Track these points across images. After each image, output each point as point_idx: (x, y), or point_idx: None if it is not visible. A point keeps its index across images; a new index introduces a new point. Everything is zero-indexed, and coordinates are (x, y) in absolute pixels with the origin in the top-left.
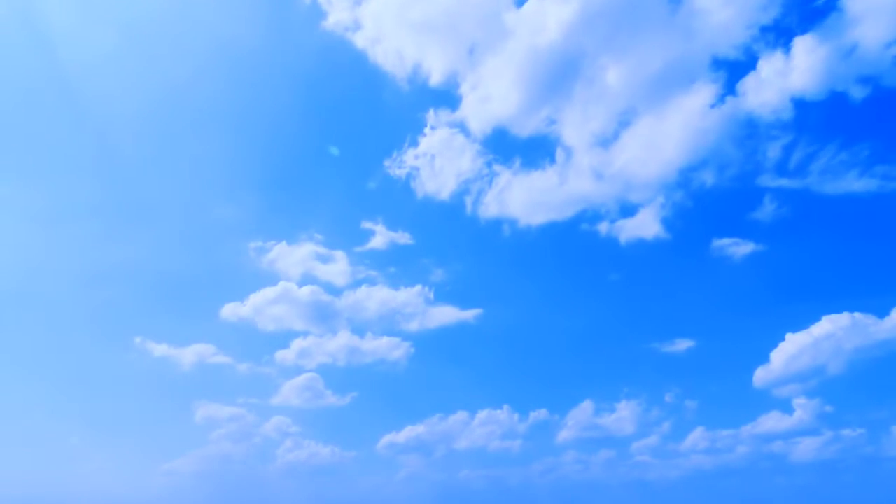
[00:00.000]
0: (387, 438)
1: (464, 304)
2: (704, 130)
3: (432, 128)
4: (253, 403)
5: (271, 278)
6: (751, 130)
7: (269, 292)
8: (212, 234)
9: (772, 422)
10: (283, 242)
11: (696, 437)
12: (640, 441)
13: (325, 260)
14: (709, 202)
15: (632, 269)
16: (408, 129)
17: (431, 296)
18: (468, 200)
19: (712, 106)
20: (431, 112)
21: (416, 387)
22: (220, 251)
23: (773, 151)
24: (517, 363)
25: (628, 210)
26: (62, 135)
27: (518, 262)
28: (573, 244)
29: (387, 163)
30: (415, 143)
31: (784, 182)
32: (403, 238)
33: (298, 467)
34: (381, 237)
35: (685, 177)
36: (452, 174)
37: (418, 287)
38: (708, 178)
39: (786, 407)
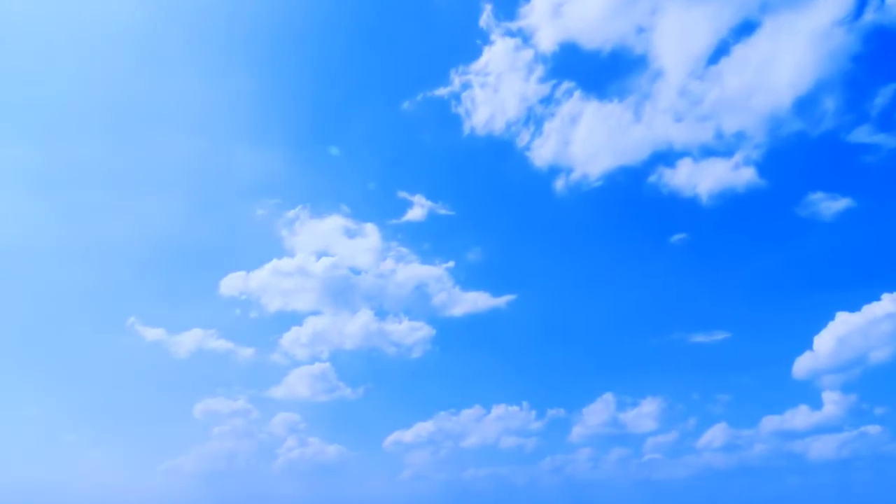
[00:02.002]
0: (395, 436)
1: (497, 289)
2: (825, 54)
3: (487, 43)
4: (256, 396)
5: (284, 249)
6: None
7: (280, 265)
8: (219, 195)
9: (799, 417)
10: (302, 207)
11: (716, 433)
12: (656, 437)
13: (352, 234)
14: (808, 150)
15: (700, 229)
16: (459, 44)
17: (462, 279)
18: (520, 140)
19: (841, 23)
20: (488, 15)
21: (433, 378)
22: (227, 215)
23: None
24: (542, 355)
25: (711, 153)
26: (50, 92)
27: (567, 227)
28: (637, 199)
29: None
30: (466, 61)
31: None
32: (442, 208)
33: (302, 466)
34: (419, 208)
35: (790, 116)
36: (508, 103)
37: (451, 264)
38: (818, 118)
39: (815, 401)
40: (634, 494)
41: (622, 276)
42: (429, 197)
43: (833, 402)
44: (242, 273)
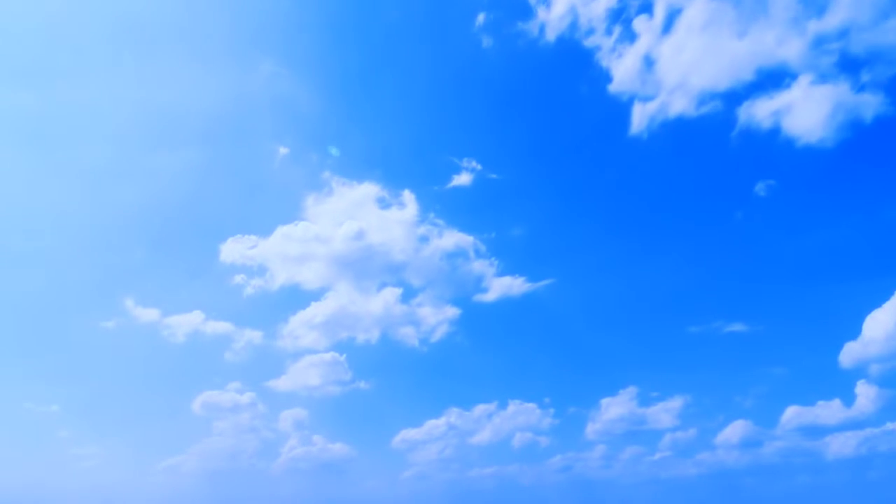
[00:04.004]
0: (403, 434)
1: (535, 271)
2: None
3: None
4: (259, 388)
5: (304, 214)
6: None
7: (294, 231)
8: (235, 145)
9: (827, 412)
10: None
11: (735, 430)
12: (675, 434)
13: (385, 203)
14: None
15: (793, 179)
16: None
17: (500, 259)
18: (600, 55)
19: None
20: None
21: (450, 370)
22: (241, 169)
23: None
24: (569, 347)
25: (827, 79)
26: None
27: (630, 181)
28: (724, 139)
29: None
30: None
31: None
32: (492, 172)
33: (302, 465)
34: (466, 174)
35: None
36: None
37: (491, 239)
38: None
39: (850, 396)
40: (637, 494)
41: (678, 248)
42: (479, 157)
43: (866, 397)
44: (253, 237)
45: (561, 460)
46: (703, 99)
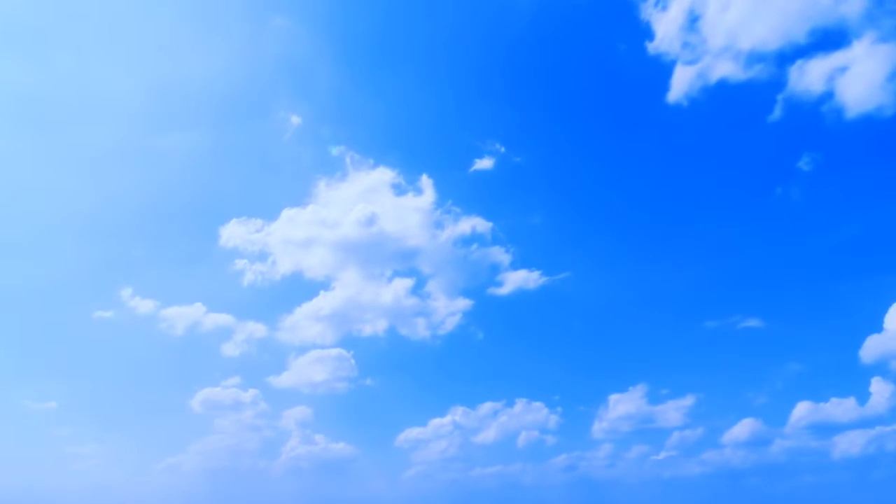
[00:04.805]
0: (407, 433)
1: (552, 264)
2: None
3: None
4: (260, 384)
5: (314, 198)
6: None
7: (302, 215)
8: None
9: (839, 410)
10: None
11: (743, 428)
12: (683, 432)
13: (400, 188)
14: None
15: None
16: None
17: (518, 250)
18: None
19: None
20: None
21: (457, 366)
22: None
23: None
24: (581, 342)
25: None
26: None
27: (663, 157)
28: (768, 108)
29: None
30: None
31: None
32: (516, 155)
33: (303, 464)
34: (488, 158)
35: None
36: None
37: (508, 229)
38: None
39: (865, 393)
40: (640, 493)
41: (706, 235)
42: (504, 138)
43: (881, 394)
44: (258, 221)
45: (565, 459)
46: (750, 60)
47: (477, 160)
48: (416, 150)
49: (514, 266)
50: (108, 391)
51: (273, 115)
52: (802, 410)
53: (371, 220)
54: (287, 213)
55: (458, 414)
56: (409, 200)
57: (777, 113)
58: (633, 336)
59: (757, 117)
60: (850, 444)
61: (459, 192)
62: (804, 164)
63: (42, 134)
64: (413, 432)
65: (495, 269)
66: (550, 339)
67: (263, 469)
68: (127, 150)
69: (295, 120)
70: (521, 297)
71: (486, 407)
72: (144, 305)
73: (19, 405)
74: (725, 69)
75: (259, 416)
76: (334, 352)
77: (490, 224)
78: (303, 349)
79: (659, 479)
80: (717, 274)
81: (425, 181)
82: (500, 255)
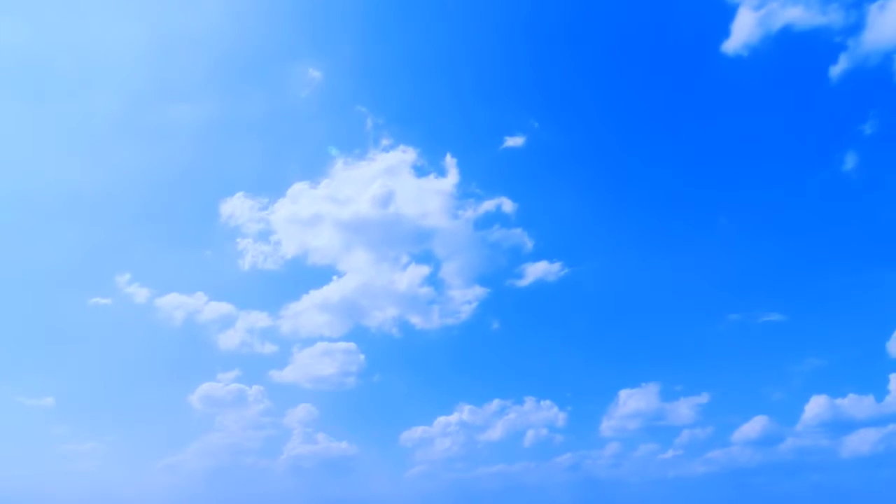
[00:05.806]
0: (412, 432)
1: (575, 254)
2: None
3: None
4: (262, 379)
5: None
6: None
7: (313, 194)
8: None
9: (854, 408)
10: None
11: (754, 426)
12: (693, 430)
13: (422, 169)
14: None
15: None
16: None
17: (540, 237)
18: None
19: None
20: None
21: (467, 361)
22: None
23: None
24: (596, 338)
25: None
26: None
27: (707, 124)
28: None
29: None
30: None
31: None
32: (550, 134)
33: (305, 463)
34: (520, 136)
35: None
36: None
37: (533, 212)
38: None
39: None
40: (641, 493)
41: (744, 216)
42: (539, 115)
43: None
44: (263, 200)
45: (570, 458)
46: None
47: (508, 138)
48: (441, 125)
49: (536, 252)
50: (106, 386)
51: (290, 73)
52: (816, 407)
53: (387, 200)
54: (297, 188)
55: (464, 412)
56: (431, 182)
57: (842, 65)
58: (652, 330)
59: (819, 72)
60: (860, 443)
61: (485, 174)
62: (868, 127)
63: (30, 102)
64: (418, 431)
65: (516, 253)
66: (566, 332)
67: (265, 468)
68: (126, 118)
69: (314, 74)
70: (540, 288)
71: (495, 404)
72: (141, 293)
73: (15, 402)
74: (792, 14)
75: (261, 413)
76: (341, 345)
77: (516, 205)
78: (308, 341)
79: (663, 478)
80: (745, 263)
81: (449, 161)
82: (521, 237)
